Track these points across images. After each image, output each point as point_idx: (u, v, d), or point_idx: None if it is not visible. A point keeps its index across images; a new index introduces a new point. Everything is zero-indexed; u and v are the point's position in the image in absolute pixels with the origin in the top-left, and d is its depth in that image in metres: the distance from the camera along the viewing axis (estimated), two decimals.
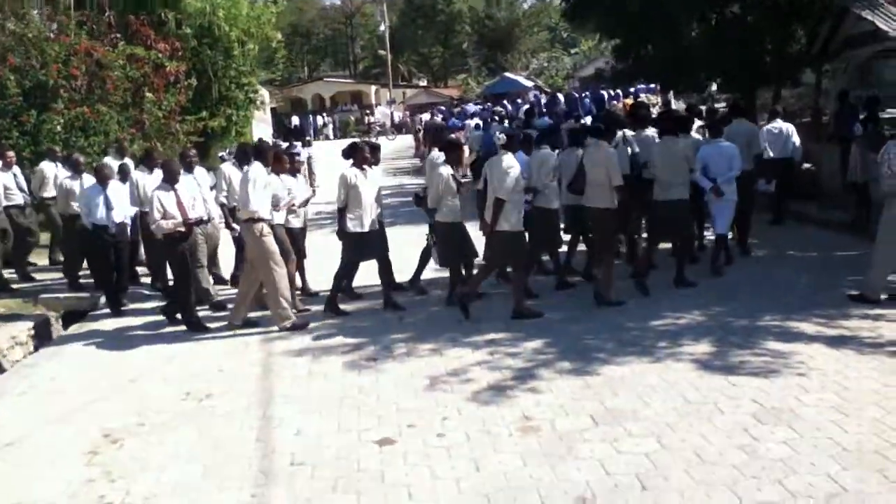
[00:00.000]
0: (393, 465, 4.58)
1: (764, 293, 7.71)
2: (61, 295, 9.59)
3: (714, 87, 21.68)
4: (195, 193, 8.09)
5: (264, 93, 26.08)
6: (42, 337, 8.65)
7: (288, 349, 7.05)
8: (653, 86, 23.86)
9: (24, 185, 10.86)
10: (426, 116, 30.39)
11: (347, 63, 63.99)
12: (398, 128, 40.48)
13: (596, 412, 5.09)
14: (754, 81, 14.78)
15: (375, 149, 8.51)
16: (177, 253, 7.68)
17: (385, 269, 8.10)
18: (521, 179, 7.37)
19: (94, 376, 6.73)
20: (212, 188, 9.21)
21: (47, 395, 6.37)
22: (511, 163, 7.24)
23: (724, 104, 18.64)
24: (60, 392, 6.42)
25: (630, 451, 4.50)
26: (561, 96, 27.90)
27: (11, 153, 10.93)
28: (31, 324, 8.65)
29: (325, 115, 43.09)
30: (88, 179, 9.60)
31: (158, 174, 8.85)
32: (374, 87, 48.14)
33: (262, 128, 30.02)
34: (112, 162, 10.24)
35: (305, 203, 8.66)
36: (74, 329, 8.49)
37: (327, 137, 39.31)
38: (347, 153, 8.06)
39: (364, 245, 7.89)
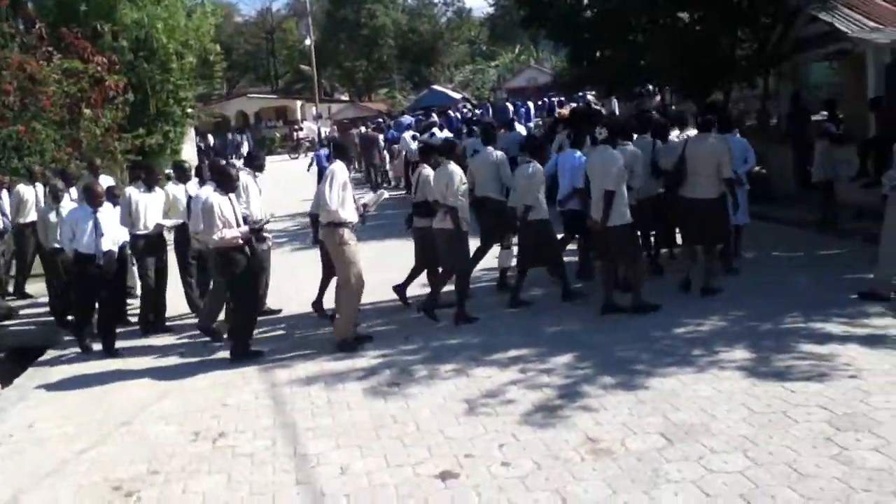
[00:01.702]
0: (468, 502, 4.14)
1: (772, 295, 7.60)
2: (12, 327, 8.70)
3: (655, 94, 22.00)
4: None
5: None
6: None
7: (294, 378, 6.49)
8: (592, 93, 24.13)
9: (6, 208, 9.98)
10: (360, 130, 30.01)
11: (269, 78, 62.60)
12: (326, 142, 39.75)
13: (665, 429, 4.77)
14: (706, 86, 14.91)
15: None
16: (239, 266, 6.90)
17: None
18: (625, 172, 7.23)
19: (79, 420, 6.01)
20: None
21: (31, 445, 5.62)
22: (616, 155, 7.16)
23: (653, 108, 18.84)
24: (45, 440, 5.68)
25: (721, 470, 4.19)
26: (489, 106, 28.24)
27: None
28: None
29: (240, 133, 41.84)
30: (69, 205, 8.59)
31: (159, 192, 8.23)
32: (299, 103, 47.16)
33: (187, 146, 28.84)
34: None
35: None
36: (35, 367, 7.65)
37: (242, 157, 38.11)
38: (446, 150, 7.77)
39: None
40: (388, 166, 23.17)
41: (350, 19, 54.79)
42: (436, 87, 45.25)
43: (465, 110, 30.80)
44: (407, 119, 30.30)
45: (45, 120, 13.25)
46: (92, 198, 7.55)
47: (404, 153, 20.15)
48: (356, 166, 26.09)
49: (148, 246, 8.12)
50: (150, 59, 17.45)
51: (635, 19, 14.77)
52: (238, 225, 6.94)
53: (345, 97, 60.33)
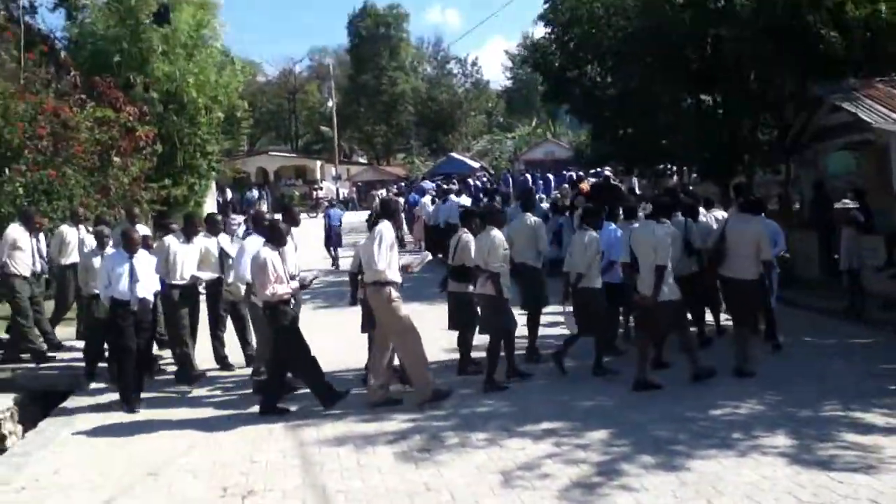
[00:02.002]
0: None
1: (808, 381, 7.47)
2: (39, 371, 8.60)
3: (673, 173, 22.23)
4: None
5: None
6: (18, 420, 7.70)
7: (322, 438, 6.38)
8: (608, 169, 24.43)
9: (44, 251, 9.91)
10: (382, 192, 30.45)
11: (289, 138, 63.69)
12: (345, 203, 40.20)
13: None
14: (729, 168, 15.05)
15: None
16: (288, 322, 6.89)
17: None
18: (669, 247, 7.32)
19: (104, 468, 5.90)
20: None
21: (56, 492, 5.51)
22: (665, 231, 7.29)
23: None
24: (70, 487, 5.57)
25: None
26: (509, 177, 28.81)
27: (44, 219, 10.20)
28: (7, 404, 7.68)
29: (260, 189, 42.31)
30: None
31: (196, 244, 8.26)
32: (319, 163, 47.87)
33: (209, 199, 29.16)
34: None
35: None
36: (59, 412, 7.54)
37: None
38: (489, 216, 7.87)
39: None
40: (404, 230, 23.29)
41: (371, 85, 56.02)
42: (454, 154, 45.94)
43: (484, 179, 31.24)
44: (427, 185, 30.74)
45: (76, 166, 13.39)
46: (129, 244, 7.50)
47: (423, 217, 20.37)
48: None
49: (182, 296, 8.08)
50: (180, 112, 17.73)
51: (659, 99, 15.04)
52: (287, 280, 6.94)
53: (363, 159, 61.24)
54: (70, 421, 7.16)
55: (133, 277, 7.39)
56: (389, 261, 6.85)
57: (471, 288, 7.72)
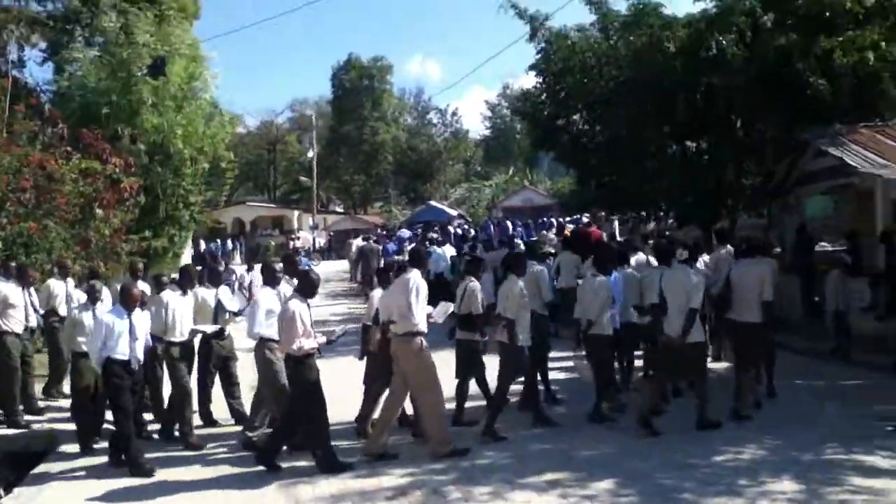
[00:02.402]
0: None
1: (805, 424, 7.45)
2: (8, 432, 8.28)
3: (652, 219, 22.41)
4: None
5: None
6: None
7: (319, 495, 6.18)
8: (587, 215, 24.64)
9: (37, 304, 9.59)
10: (358, 241, 30.32)
11: (266, 188, 63.71)
12: (321, 252, 40.14)
13: None
14: (713, 212, 15.19)
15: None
16: (312, 378, 6.67)
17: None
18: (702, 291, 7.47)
19: None
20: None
21: None
22: (697, 275, 7.49)
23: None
24: None
25: None
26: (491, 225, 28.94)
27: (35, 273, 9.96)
28: None
29: (234, 240, 42.07)
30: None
31: (190, 296, 8.08)
32: (296, 213, 47.79)
33: (186, 251, 28.90)
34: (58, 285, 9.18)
35: None
36: (37, 474, 7.22)
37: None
38: (512, 263, 7.81)
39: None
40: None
41: (353, 135, 56.40)
42: (433, 202, 46.08)
43: (465, 226, 31.33)
44: (405, 233, 30.74)
45: (57, 218, 13.24)
46: (129, 300, 7.16)
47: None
48: (354, 276, 26.33)
49: (182, 353, 7.85)
50: (165, 163, 17.72)
51: (645, 146, 15.21)
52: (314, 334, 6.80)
53: (339, 208, 61.29)
54: (53, 486, 6.84)
55: (133, 336, 7.04)
56: (422, 312, 6.82)
57: (477, 336, 7.72)
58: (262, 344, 7.26)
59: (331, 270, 32.73)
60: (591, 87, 14.94)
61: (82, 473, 7.12)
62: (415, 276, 6.93)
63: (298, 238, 41.74)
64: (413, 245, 19.62)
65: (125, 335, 6.98)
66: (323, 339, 6.95)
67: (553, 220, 24.33)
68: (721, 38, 12.67)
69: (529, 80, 16.99)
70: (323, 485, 6.39)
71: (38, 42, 25.60)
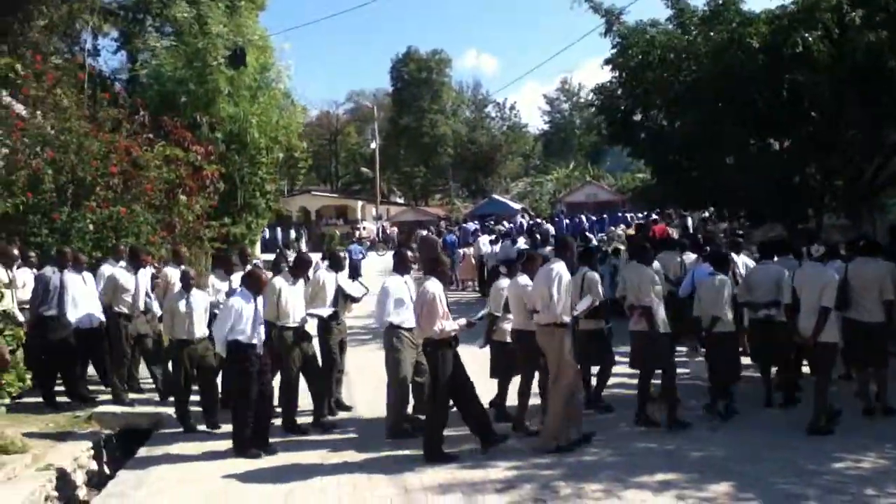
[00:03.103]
0: None
1: None
2: (118, 410, 8.47)
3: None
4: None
5: None
6: (101, 459, 7.55)
7: (427, 484, 6.12)
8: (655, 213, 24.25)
9: (149, 290, 9.63)
10: (424, 232, 30.59)
11: (329, 178, 64.35)
12: (385, 242, 40.33)
13: None
14: (800, 212, 14.71)
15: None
16: (451, 360, 6.62)
17: None
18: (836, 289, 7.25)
19: None
20: None
21: None
22: (834, 274, 7.29)
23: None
24: None
25: None
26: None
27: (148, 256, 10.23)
28: (88, 443, 7.53)
29: (298, 228, 42.59)
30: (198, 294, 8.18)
31: (301, 284, 8.09)
32: (360, 203, 48.13)
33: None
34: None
35: None
36: (147, 451, 7.37)
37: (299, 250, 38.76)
38: (639, 252, 7.85)
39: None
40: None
41: (412, 127, 56.61)
42: (496, 196, 45.96)
43: (530, 221, 31.19)
44: (471, 225, 30.73)
45: (144, 203, 13.50)
46: (257, 284, 7.17)
47: (477, 256, 20.27)
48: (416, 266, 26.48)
49: (296, 338, 7.86)
50: (241, 151, 17.96)
51: (726, 142, 14.80)
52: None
53: (400, 199, 61.64)
54: (157, 461, 6.98)
55: (257, 319, 7.05)
56: (565, 303, 6.72)
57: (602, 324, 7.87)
58: (391, 331, 7.30)
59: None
60: (671, 83, 14.59)
61: (191, 453, 7.20)
62: (559, 267, 6.81)
63: (364, 228, 42.09)
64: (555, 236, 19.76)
65: (251, 319, 6.99)
66: (463, 322, 6.89)
67: (626, 215, 23.90)
68: (807, 35, 12.25)
69: (588, 75, 16.75)
70: (427, 475, 6.34)
71: (109, 31, 26.39)
